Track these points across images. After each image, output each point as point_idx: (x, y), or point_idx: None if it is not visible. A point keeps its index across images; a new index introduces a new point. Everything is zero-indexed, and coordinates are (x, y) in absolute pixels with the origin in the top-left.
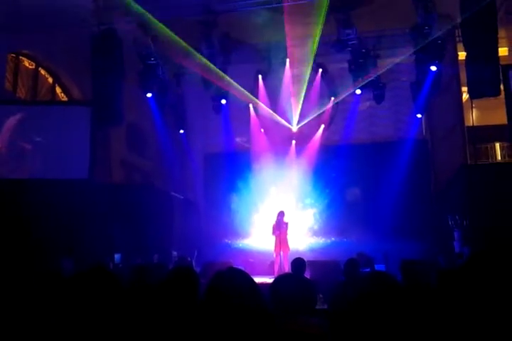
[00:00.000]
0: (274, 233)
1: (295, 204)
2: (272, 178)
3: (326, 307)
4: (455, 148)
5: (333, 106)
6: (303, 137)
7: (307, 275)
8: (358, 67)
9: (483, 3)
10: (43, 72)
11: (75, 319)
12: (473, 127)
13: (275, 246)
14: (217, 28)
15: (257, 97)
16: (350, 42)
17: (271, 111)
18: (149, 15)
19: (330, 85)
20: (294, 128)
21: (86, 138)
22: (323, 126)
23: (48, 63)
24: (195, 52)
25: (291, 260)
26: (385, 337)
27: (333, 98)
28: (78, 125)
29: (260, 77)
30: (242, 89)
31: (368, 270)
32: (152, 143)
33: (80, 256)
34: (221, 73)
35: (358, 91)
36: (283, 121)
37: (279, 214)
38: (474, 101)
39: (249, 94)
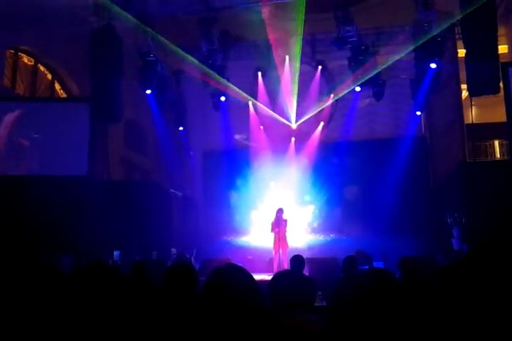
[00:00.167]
0: (273, 230)
1: (294, 201)
2: (271, 175)
3: (324, 304)
4: (454, 146)
5: (332, 104)
6: (302, 134)
7: (306, 272)
8: (357, 64)
9: (483, 0)
10: (42, 68)
11: (76, 315)
12: (472, 124)
13: (274, 243)
14: (217, 25)
15: (256, 94)
16: (350, 39)
17: (270, 109)
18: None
19: (329, 82)
20: (294, 125)
21: (85, 134)
22: (322, 123)
23: (47, 59)
24: (194, 50)
25: (290, 257)
26: (384, 334)
27: (332, 95)
28: (77, 122)
29: (260, 74)
30: (242, 86)
31: (366, 267)
32: (151, 140)
33: (79, 253)
34: (220, 70)
35: (358, 89)
36: (282, 119)
37: (278, 211)
38: (473, 98)
39: (248, 93)
